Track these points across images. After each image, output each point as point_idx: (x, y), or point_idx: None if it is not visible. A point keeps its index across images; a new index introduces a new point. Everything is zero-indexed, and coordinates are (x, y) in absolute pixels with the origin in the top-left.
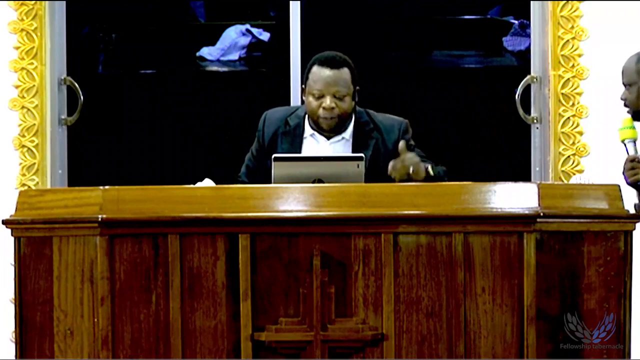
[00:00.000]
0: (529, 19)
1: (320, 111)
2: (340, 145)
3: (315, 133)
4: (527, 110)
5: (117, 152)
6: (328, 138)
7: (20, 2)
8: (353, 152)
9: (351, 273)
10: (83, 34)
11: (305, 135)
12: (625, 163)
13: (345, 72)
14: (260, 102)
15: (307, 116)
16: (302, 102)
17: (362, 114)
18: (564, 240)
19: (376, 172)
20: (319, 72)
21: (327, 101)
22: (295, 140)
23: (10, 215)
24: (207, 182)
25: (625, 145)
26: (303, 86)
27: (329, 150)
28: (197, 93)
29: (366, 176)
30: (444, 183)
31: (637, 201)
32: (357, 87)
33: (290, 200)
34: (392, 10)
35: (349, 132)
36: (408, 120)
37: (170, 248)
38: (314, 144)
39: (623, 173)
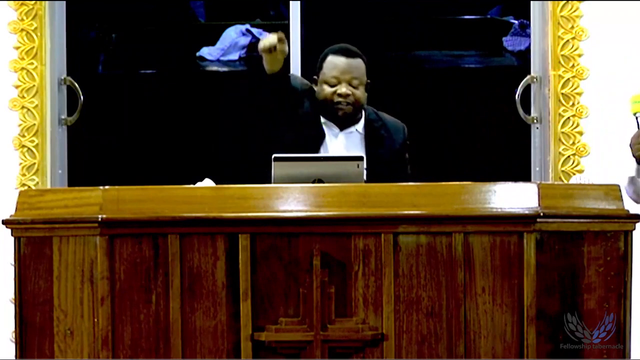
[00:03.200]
0: (529, 19)
1: (335, 97)
2: (354, 137)
3: (328, 122)
4: (527, 110)
5: (117, 152)
6: (341, 129)
7: (20, 2)
8: (367, 146)
9: (351, 273)
10: (85, 35)
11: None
12: (633, 137)
13: (359, 62)
14: (260, 102)
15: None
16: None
17: (370, 111)
18: (564, 240)
19: (383, 170)
20: (334, 60)
21: (343, 88)
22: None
23: (10, 215)
24: (207, 182)
25: (637, 118)
26: (315, 77)
27: (342, 142)
28: (197, 93)
29: (374, 174)
30: (444, 183)
31: (634, 174)
32: (369, 81)
33: (290, 200)
34: (392, 10)
35: (361, 125)
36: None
37: (170, 248)
38: (327, 131)
39: (630, 146)
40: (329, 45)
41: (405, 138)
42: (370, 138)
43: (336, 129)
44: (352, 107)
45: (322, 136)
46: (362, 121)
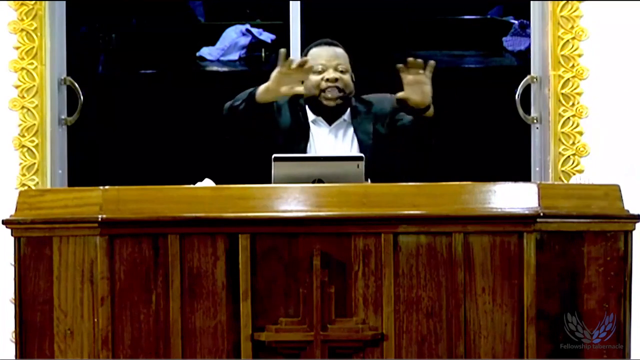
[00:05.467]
0: (529, 19)
1: (323, 84)
2: (343, 128)
3: (317, 119)
4: (527, 110)
5: (117, 152)
6: (330, 123)
7: (20, 2)
8: (356, 134)
9: (351, 273)
10: (82, 33)
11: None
12: None
13: (342, 51)
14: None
15: (306, 106)
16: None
17: (353, 99)
18: (564, 240)
19: (383, 144)
20: (318, 51)
21: (331, 72)
22: (300, 124)
23: (10, 215)
24: (207, 182)
25: None
26: None
27: (332, 134)
28: (197, 93)
29: (376, 151)
30: (444, 183)
31: None
32: (353, 74)
33: (290, 200)
34: (393, 10)
35: (348, 114)
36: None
37: (170, 248)
38: (316, 130)
39: None
40: None
41: (394, 105)
42: (357, 125)
43: (325, 126)
44: (342, 94)
45: (307, 135)
46: (349, 110)
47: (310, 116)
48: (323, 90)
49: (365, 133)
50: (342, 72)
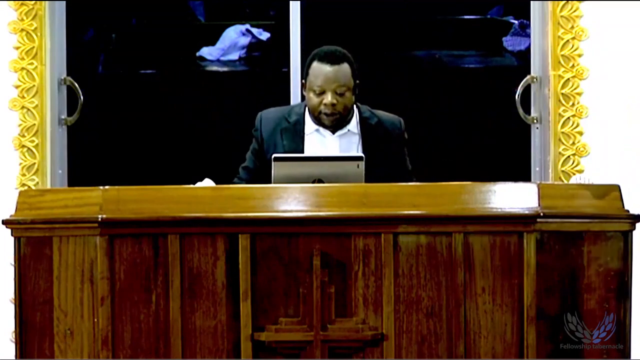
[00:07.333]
0: (529, 19)
1: (322, 108)
2: (347, 138)
3: (320, 128)
4: (527, 110)
5: (117, 152)
6: (333, 132)
7: (20, 2)
8: (363, 145)
9: (351, 273)
10: (85, 35)
11: (308, 132)
12: None
13: (345, 67)
14: (260, 102)
15: (307, 112)
16: (302, 96)
17: (364, 109)
18: (564, 240)
19: (383, 167)
20: (319, 68)
21: (329, 97)
22: (295, 136)
23: (10, 215)
24: (207, 182)
25: None
26: (303, 81)
27: (336, 144)
28: (197, 93)
29: (374, 174)
30: (444, 183)
31: None
32: (357, 81)
33: (290, 200)
34: (392, 10)
35: (353, 124)
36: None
37: (170, 248)
38: (318, 139)
39: None
40: (328, 45)
41: (403, 131)
42: (367, 137)
43: (329, 134)
44: (338, 116)
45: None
46: (355, 120)
47: (312, 126)
48: (321, 113)
49: (376, 150)
50: (341, 93)
